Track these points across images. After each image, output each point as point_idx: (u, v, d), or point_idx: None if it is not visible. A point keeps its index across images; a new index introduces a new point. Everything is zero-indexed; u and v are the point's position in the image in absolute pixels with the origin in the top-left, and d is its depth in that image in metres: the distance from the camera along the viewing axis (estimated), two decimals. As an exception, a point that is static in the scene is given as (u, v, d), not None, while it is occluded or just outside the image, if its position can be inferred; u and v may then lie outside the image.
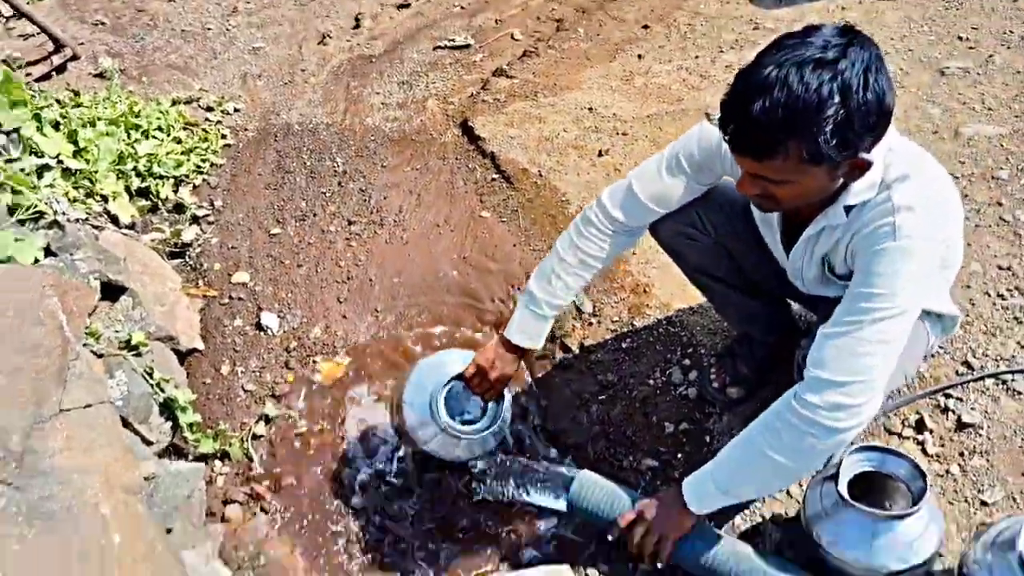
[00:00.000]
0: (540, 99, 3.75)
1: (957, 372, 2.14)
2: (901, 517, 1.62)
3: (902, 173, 1.49)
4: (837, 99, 1.32)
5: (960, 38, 3.57)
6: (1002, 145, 2.89)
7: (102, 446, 1.70)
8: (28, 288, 1.87)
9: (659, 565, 1.79)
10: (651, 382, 2.36)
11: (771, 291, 2.10)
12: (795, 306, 2.31)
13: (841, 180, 1.48)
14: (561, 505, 2.01)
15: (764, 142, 1.38)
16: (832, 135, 1.34)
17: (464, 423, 2.03)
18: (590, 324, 2.59)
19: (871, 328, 1.48)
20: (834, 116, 1.33)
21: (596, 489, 1.92)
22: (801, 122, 1.33)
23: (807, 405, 1.51)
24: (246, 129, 3.83)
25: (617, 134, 3.42)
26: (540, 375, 2.48)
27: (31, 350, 1.69)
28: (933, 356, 2.19)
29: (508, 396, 2.14)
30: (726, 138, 1.44)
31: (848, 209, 1.55)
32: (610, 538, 1.86)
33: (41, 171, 2.88)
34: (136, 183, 3.24)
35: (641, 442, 2.22)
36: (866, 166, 1.43)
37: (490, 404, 2.07)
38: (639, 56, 4.00)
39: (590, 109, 3.60)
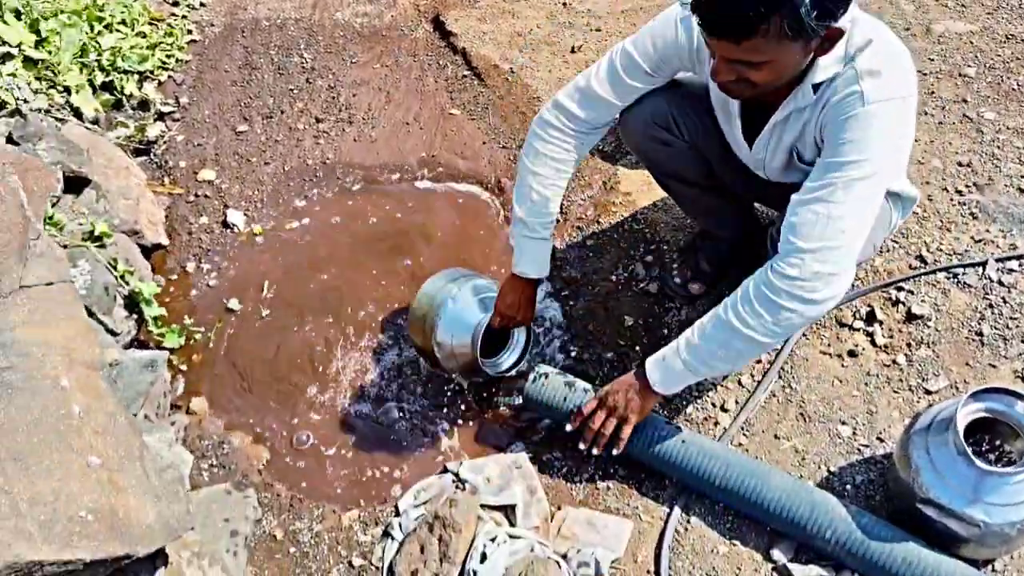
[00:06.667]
0: (514, -7, 3.64)
1: (910, 266, 2.17)
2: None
3: (864, 40, 1.48)
4: None
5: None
6: (972, 42, 2.85)
7: (63, 321, 1.70)
8: (-12, 165, 1.84)
9: (615, 452, 1.77)
10: (613, 278, 2.39)
11: (736, 188, 2.10)
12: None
13: (811, 55, 1.46)
14: (517, 400, 2.09)
15: (745, 20, 1.33)
16: (813, 4, 1.31)
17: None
18: (556, 222, 2.58)
19: (844, 191, 1.48)
20: None
21: (552, 381, 1.95)
22: None
23: (784, 277, 1.51)
24: (212, 25, 3.71)
25: (591, 30, 3.34)
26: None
27: (-8, 226, 1.67)
28: (888, 248, 2.22)
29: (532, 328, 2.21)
30: (701, 23, 1.39)
31: (816, 87, 1.53)
32: (568, 429, 1.86)
33: (3, 60, 2.82)
34: (100, 77, 3.15)
35: (601, 335, 2.27)
36: (839, 35, 1.41)
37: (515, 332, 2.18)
38: (617, -52, 3.86)
39: (564, 4, 3.51)
